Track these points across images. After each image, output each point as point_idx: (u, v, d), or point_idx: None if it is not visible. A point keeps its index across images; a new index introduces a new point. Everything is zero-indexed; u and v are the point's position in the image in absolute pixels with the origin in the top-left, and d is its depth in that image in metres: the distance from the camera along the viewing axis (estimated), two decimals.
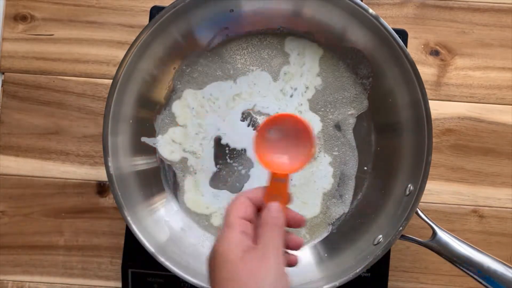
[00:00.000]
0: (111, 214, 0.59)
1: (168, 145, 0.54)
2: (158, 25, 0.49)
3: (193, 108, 0.54)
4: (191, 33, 0.52)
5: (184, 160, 0.54)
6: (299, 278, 0.51)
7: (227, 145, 0.54)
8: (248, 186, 0.54)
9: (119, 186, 0.49)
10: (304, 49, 0.54)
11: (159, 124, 0.54)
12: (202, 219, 0.54)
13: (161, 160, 0.55)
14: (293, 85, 0.54)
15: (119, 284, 0.55)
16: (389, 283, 0.55)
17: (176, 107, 0.54)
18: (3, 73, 0.61)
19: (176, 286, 0.54)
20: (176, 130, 0.54)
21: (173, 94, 0.55)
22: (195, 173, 0.54)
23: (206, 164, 0.54)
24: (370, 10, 0.48)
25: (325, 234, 0.54)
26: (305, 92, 0.54)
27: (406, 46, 0.56)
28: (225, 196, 0.54)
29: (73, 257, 0.59)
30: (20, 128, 0.60)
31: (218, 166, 0.54)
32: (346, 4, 0.48)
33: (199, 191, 0.54)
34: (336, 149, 0.54)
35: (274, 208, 0.37)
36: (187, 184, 0.54)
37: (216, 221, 0.54)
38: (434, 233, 0.47)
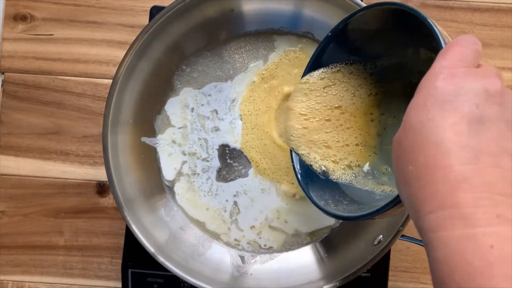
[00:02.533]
0: (111, 214, 0.60)
1: (167, 146, 0.54)
2: (158, 25, 0.49)
3: (192, 108, 0.54)
4: (191, 33, 0.52)
5: (184, 165, 0.54)
6: (299, 278, 0.51)
7: (227, 146, 0.54)
8: (244, 181, 0.54)
9: (119, 186, 0.49)
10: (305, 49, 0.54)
11: (159, 124, 0.54)
12: (200, 223, 0.54)
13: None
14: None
15: (119, 284, 0.55)
16: (389, 283, 0.55)
17: (176, 107, 0.54)
18: (3, 73, 0.61)
19: (176, 286, 0.54)
20: (176, 130, 0.54)
21: (173, 94, 0.55)
22: (194, 174, 0.54)
23: (207, 164, 0.54)
24: None
25: (325, 234, 0.54)
26: None
27: None
28: (224, 196, 0.54)
29: (73, 257, 0.59)
30: (20, 128, 0.60)
31: (218, 166, 0.54)
32: (346, 4, 0.48)
33: (197, 193, 0.54)
34: None
35: None
36: (186, 185, 0.54)
37: (212, 226, 0.54)
38: None
